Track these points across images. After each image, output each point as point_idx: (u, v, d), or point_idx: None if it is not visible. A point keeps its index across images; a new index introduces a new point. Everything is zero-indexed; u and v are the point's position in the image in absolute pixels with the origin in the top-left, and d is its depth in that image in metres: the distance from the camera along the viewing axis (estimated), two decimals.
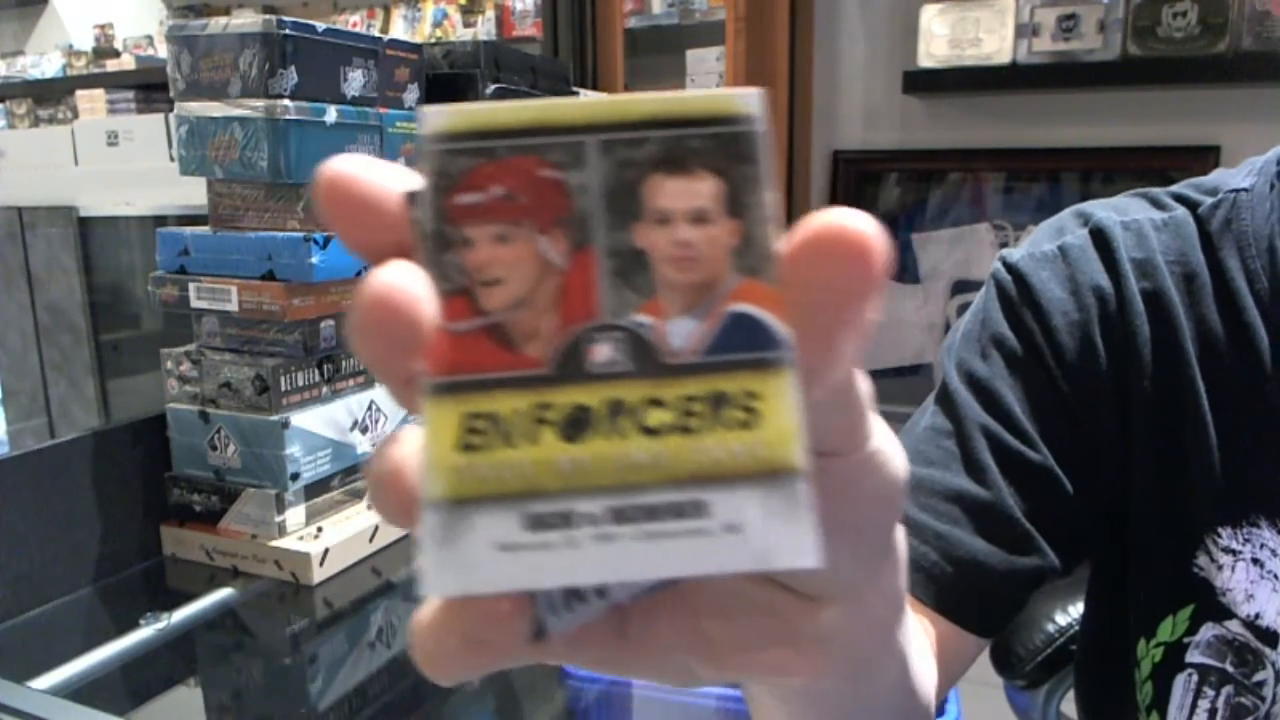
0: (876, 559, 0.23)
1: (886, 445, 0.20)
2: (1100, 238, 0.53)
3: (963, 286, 2.12)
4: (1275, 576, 0.48)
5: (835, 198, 2.20)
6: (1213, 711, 0.50)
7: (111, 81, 2.86)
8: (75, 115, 2.75)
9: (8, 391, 1.66)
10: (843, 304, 0.16)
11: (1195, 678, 0.51)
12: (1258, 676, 0.50)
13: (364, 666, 0.68)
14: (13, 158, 1.87)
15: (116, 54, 3.41)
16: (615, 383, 0.16)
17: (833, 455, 0.19)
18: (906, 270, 2.16)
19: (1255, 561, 0.49)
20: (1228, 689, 0.50)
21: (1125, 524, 0.53)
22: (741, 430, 0.16)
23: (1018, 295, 0.53)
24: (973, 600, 0.49)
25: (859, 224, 0.16)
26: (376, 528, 0.83)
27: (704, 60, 2.16)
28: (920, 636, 0.43)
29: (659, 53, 2.26)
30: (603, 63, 2.15)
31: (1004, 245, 2.06)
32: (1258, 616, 0.49)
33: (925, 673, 0.35)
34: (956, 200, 2.10)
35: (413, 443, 0.17)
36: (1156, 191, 0.55)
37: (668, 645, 0.21)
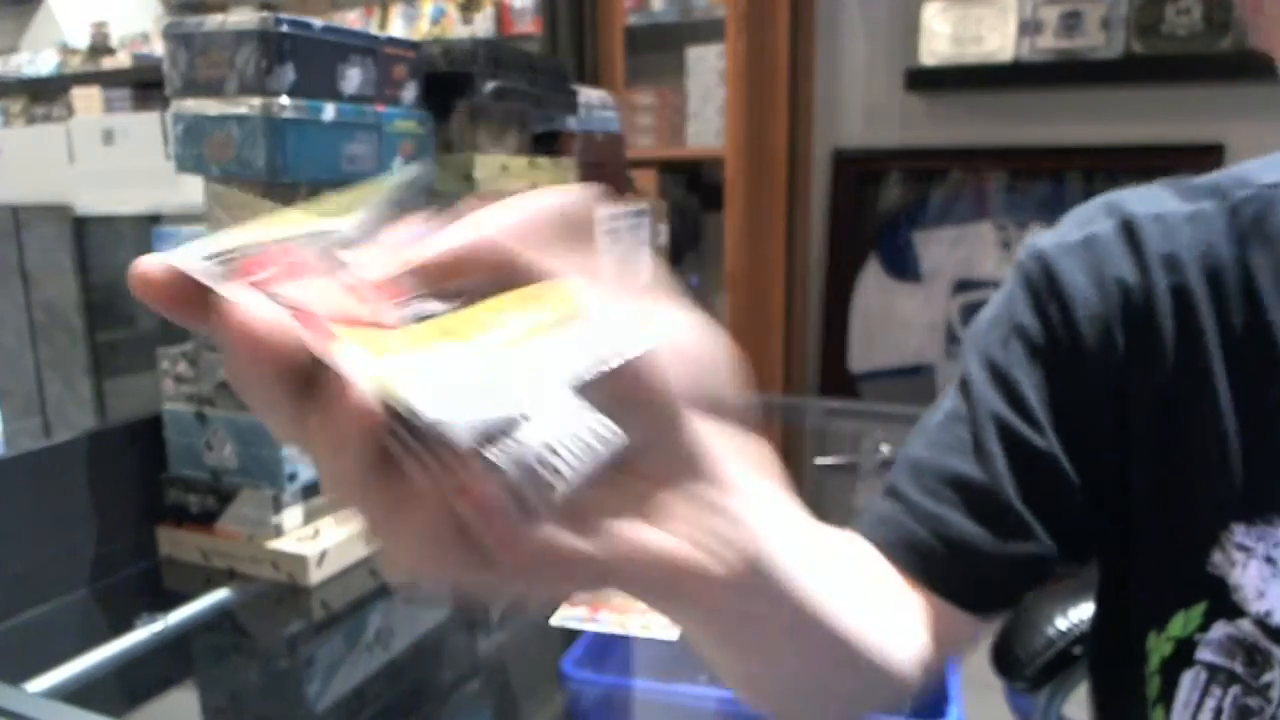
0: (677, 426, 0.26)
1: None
2: (1128, 229, 0.52)
3: (965, 285, 2.11)
4: None
5: (837, 196, 2.19)
6: (1219, 711, 0.51)
7: (107, 79, 2.86)
8: (71, 113, 2.74)
9: (3, 391, 1.66)
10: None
11: (1204, 676, 0.51)
12: (1265, 678, 0.50)
13: (361, 668, 0.67)
14: (8, 156, 1.87)
15: (112, 51, 3.41)
16: (448, 316, 0.23)
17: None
18: (908, 269, 2.16)
19: (1268, 560, 0.49)
20: (1235, 689, 0.50)
21: (1136, 519, 0.53)
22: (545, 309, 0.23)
23: (1042, 284, 0.53)
24: (962, 578, 0.50)
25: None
26: None
27: (704, 58, 2.15)
28: (873, 596, 0.47)
29: (659, 50, 2.26)
30: (602, 60, 2.14)
31: (1006, 245, 2.05)
32: (1268, 614, 0.49)
33: (870, 627, 0.39)
34: (958, 199, 2.09)
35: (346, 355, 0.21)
36: (1189, 181, 0.55)
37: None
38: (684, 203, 2.37)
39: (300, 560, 0.76)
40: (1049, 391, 0.51)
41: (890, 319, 2.19)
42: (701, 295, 2.43)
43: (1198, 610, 0.51)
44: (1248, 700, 0.50)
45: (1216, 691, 0.51)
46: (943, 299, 2.13)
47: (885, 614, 0.46)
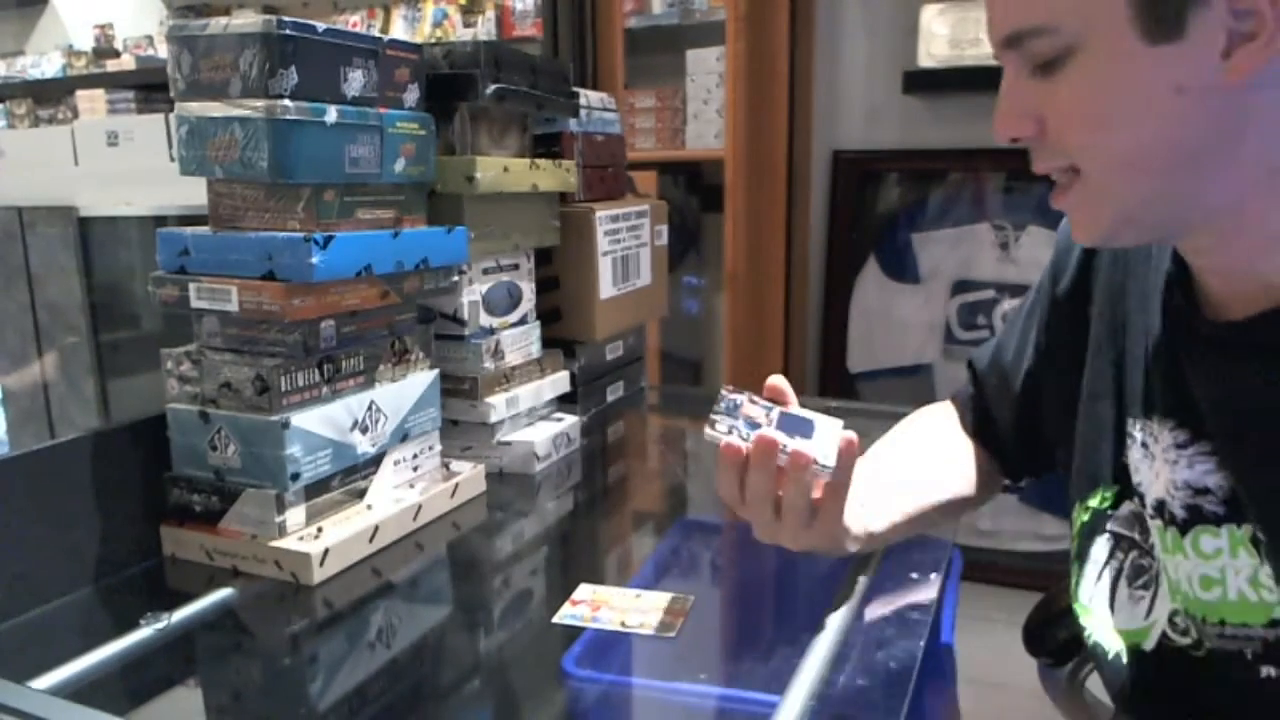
0: None
1: None
2: None
3: (963, 286, 2.12)
4: (1153, 458, 0.63)
5: (836, 197, 2.20)
6: (1119, 570, 0.66)
7: (111, 81, 2.87)
8: (75, 115, 2.75)
9: (7, 392, 1.66)
10: None
11: (1111, 542, 0.67)
12: (1150, 542, 0.64)
13: (364, 667, 0.67)
14: (13, 157, 1.87)
15: (116, 54, 3.41)
16: None
17: None
18: (907, 270, 2.16)
19: (1144, 445, 0.64)
20: (1134, 553, 0.65)
21: (1078, 413, 0.70)
22: None
23: (1063, 242, 0.79)
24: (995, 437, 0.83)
25: None
26: (376, 528, 0.83)
27: (704, 60, 2.16)
28: (946, 456, 0.82)
29: (659, 52, 2.26)
30: (603, 62, 2.15)
31: (1004, 245, 2.06)
32: (1139, 485, 0.64)
33: (947, 484, 0.79)
34: (957, 200, 2.10)
35: None
36: None
37: None
38: (684, 204, 2.38)
39: (303, 559, 0.77)
40: (1054, 319, 0.76)
41: (889, 319, 2.19)
42: (702, 295, 2.44)
43: (1111, 492, 0.67)
44: (1141, 561, 0.64)
45: (1119, 555, 0.66)
46: (941, 299, 2.14)
47: (954, 466, 0.79)
